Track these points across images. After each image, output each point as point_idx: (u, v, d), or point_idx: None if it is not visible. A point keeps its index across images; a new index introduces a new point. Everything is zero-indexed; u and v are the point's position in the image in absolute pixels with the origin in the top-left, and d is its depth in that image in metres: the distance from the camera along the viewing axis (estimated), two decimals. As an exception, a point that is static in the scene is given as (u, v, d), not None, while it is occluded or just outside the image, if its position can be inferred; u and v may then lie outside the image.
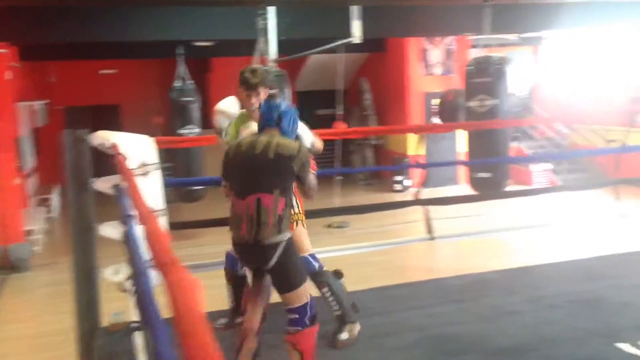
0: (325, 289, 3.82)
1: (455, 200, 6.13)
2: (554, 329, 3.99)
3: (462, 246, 7.31)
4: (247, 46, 5.78)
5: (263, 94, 3.56)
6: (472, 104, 6.29)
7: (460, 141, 9.75)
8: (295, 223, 3.60)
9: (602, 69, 12.46)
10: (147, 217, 1.90)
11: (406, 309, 4.56)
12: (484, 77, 6.15)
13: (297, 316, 3.03)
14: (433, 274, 5.66)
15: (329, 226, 8.07)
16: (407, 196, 8.98)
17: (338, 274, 3.95)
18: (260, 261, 2.95)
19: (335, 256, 5.59)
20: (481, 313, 4.38)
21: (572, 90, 12.54)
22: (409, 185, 10.84)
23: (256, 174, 2.95)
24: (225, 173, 3.13)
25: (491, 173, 6.12)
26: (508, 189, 6.82)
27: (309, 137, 3.49)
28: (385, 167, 12.12)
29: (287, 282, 3.00)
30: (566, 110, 12.45)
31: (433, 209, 6.04)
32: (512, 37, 12.15)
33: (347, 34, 5.48)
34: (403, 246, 6.25)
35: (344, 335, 3.85)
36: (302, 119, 3.34)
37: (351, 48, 7.77)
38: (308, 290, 3.10)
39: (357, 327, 3.91)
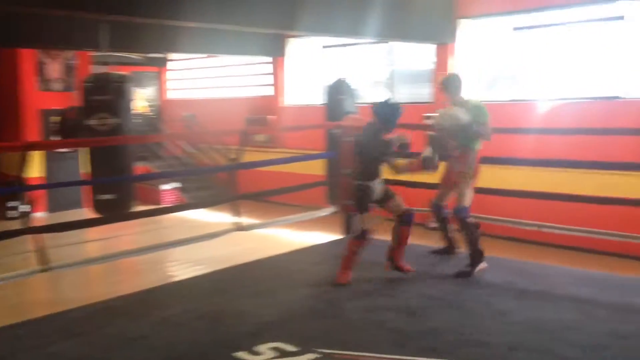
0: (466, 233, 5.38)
1: (73, 225, 5.70)
2: (178, 347, 3.99)
3: (86, 274, 6.90)
4: None
5: None
6: (93, 122, 6.01)
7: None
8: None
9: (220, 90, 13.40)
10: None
11: (21, 350, 4.04)
12: (104, 94, 5.93)
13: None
14: (54, 308, 5.17)
15: None
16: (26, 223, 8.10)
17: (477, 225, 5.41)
18: None
19: None
20: (105, 343, 4.13)
21: (195, 111, 13.13)
22: (27, 210, 9.81)
23: None
24: None
25: (115, 194, 5.91)
26: (136, 209, 6.72)
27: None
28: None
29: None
30: (192, 131, 12.99)
31: (53, 236, 5.52)
32: (137, 56, 12.14)
33: None
34: (18, 281, 5.54)
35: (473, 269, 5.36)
36: None
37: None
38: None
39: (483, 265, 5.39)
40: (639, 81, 8.00)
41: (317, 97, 11.42)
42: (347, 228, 7.11)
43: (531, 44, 9.00)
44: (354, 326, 4.29)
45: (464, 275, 5.30)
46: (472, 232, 5.34)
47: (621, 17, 8.07)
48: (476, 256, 5.35)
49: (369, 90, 10.80)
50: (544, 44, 8.87)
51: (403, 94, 10.43)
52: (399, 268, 5.32)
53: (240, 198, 6.38)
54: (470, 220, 5.36)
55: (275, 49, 11.73)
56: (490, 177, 7.56)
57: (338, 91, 7.03)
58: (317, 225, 8.52)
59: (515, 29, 9.01)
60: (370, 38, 9.25)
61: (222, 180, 11.95)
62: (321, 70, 11.51)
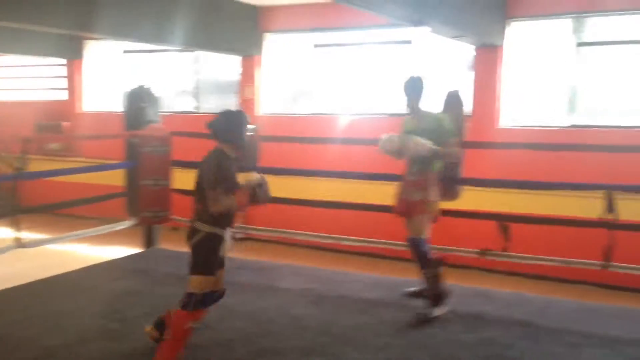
0: (425, 271, 4.56)
1: None
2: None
3: None
4: None
5: None
6: None
7: None
8: (425, 210, 4.59)
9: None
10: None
11: None
12: None
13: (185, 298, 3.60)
14: None
15: None
16: None
17: (440, 262, 4.60)
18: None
19: None
20: None
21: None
22: None
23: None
24: None
25: None
26: None
27: None
28: None
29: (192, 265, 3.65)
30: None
31: None
32: None
33: None
34: None
35: (429, 311, 4.57)
36: None
37: None
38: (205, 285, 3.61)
39: (443, 309, 4.61)
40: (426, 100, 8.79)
41: (118, 104, 10.92)
42: (148, 241, 6.86)
43: (330, 61, 9.49)
44: (148, 345, 4.10)
45: (424, 318, 4.53)
46: (433, 270, 4.56)
47: (409, 42, 8.82)
48: (440, 297, 4.60)
49: (174, 99, 10.57)
50: (342, 62, 9.40)
51: (209, 104, 10.36)
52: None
53: (23, 211, 5.79)
54: (432, 255, 4.59)
55: (72, 51, 10.99)
56: (290, 187, 7.84)
57: (139, 98, 6.75)
58: (115, 238, 8.09)
59: (316, 45, 9.44)
60: (174, 45, 9.05)
61: (5, 192, 10.85)
62: (123, 76, 11.01)
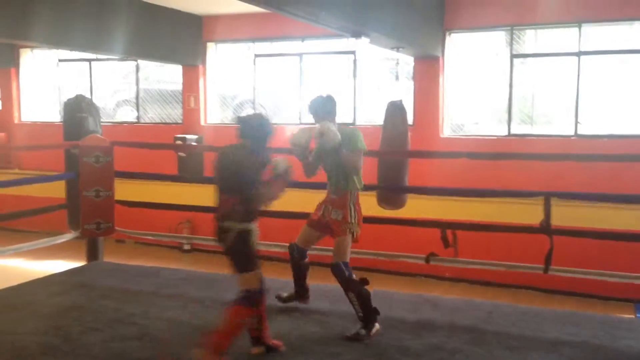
0: (351, 294, 4.39)
1: None
2: None
3: None
4: None
5: None
6: None
7: None
8: (347, 231, 4.43)
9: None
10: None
11: None
12: None
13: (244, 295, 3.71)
14: None
15: None
16: None
17: (364, 281, 4.44)
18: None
19: None
20: None
21: None
22: None
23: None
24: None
25: None
26: None
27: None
28: None
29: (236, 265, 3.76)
30: None
31: None
32: None
33: None
34: None
35: (362, 331, 4.37)
36: None
37: None
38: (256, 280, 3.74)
39: (376, 327, 4.43)
40: (371, 110, 8.94)
41: (57, 114, 10.64)
42: (91, 254, 6.66)
43: (274, 71, 9.52)
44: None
45: (359, 339, 4.35)
46: (359, 291, 4.40)
47: (352, 52, 8.94)
48: (371, 316, 4.43)
49: (115, 109, 10.37)
50: (285, 72, 9.44)
51: (152, 114, 10.21)
52: (270, 347, 4.11)
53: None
54: (354, 277, 4.44)
55: (7, 60, 10.63)
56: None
57: (78, 108, 6.59)
58: (57, 252, 7.84)
59: (257, 55, 9.46)
60: (113, 54, 8.89)
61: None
62: (61, 85, 10.72)
